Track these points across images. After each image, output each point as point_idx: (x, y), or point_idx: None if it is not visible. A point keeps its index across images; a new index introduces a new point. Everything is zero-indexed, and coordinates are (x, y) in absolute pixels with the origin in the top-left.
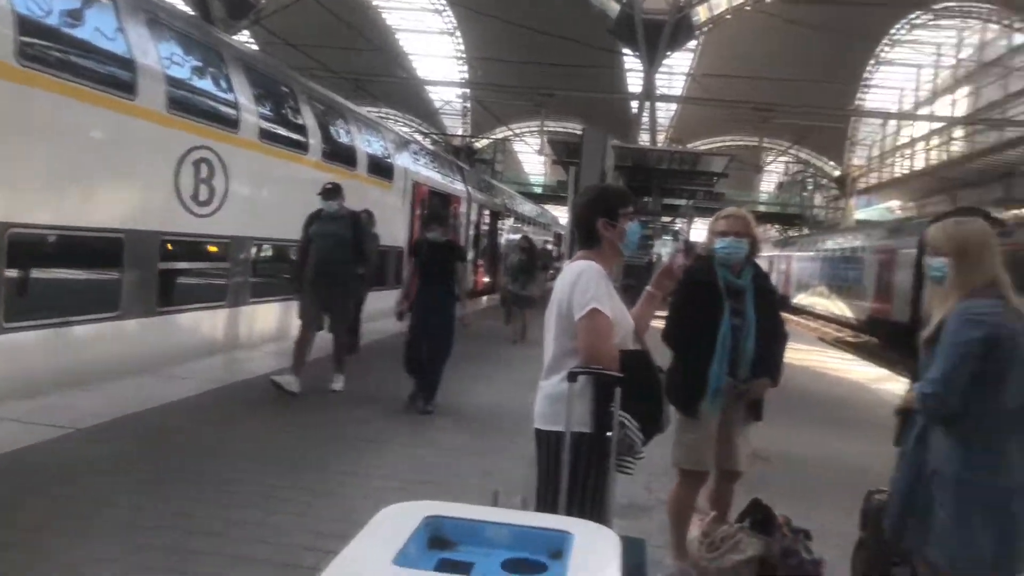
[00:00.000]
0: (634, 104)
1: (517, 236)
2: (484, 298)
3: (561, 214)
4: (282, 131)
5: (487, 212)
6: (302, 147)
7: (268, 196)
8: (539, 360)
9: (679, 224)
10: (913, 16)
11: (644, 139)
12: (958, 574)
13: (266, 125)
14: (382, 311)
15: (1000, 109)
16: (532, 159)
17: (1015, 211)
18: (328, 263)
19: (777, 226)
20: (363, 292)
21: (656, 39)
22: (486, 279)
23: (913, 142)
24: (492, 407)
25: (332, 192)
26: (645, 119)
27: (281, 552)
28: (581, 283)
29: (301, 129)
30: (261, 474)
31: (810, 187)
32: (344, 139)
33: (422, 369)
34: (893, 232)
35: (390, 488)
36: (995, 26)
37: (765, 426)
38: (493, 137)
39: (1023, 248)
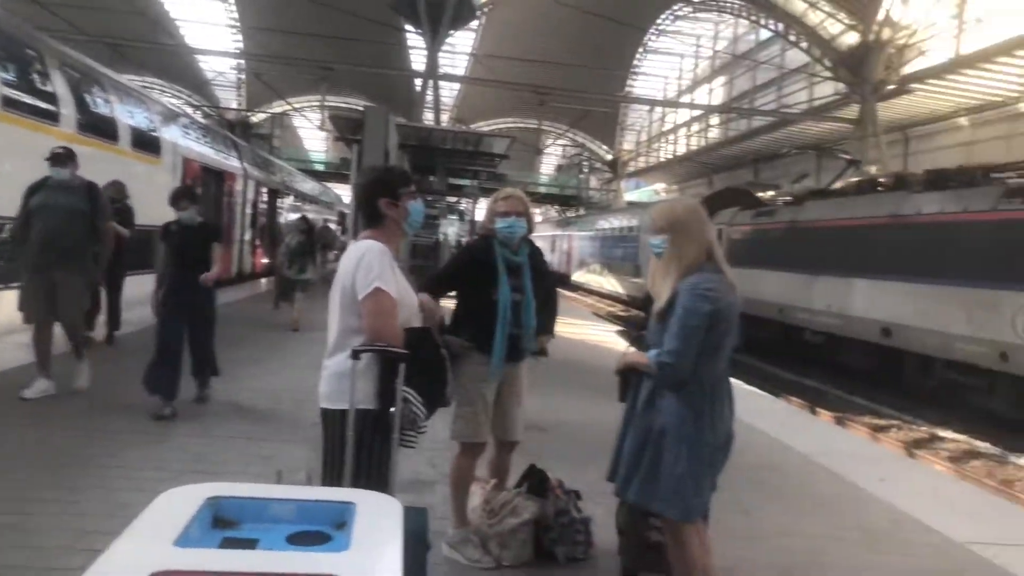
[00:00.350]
0: (418, 82)
1: (297, 216)
2: (263, 280)
3: (345, 192)
4: (28, 99)
5: (265, 190)
6: (52, 117)
7: (12, 171)
8: (317, 344)
9: (464, 204)
10: (676, 7)
11: (428, 118)
12: (687, 519)
13: (7, 92)
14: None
15: (749, 99)
16: (313, 135)
17: (770, 192)
18: (57, 240)
19: (557, 206)
20: (120, 276)
21: (438, 17)
22: (264, 261)
23: (676, 128)
24: (271, 393)
25: (62, 157)
26: (429, 98)
27: (41, 556)
28: (365, 262)
29: (51, 98)
30: (12, 474)
31: (586, 169)
32: (103, 110)
33: (176, 362)
34: None
35: (164, 480)
36: (745, 21)
37: (542, 397)
38: (271, 111)
39: (782, 226)
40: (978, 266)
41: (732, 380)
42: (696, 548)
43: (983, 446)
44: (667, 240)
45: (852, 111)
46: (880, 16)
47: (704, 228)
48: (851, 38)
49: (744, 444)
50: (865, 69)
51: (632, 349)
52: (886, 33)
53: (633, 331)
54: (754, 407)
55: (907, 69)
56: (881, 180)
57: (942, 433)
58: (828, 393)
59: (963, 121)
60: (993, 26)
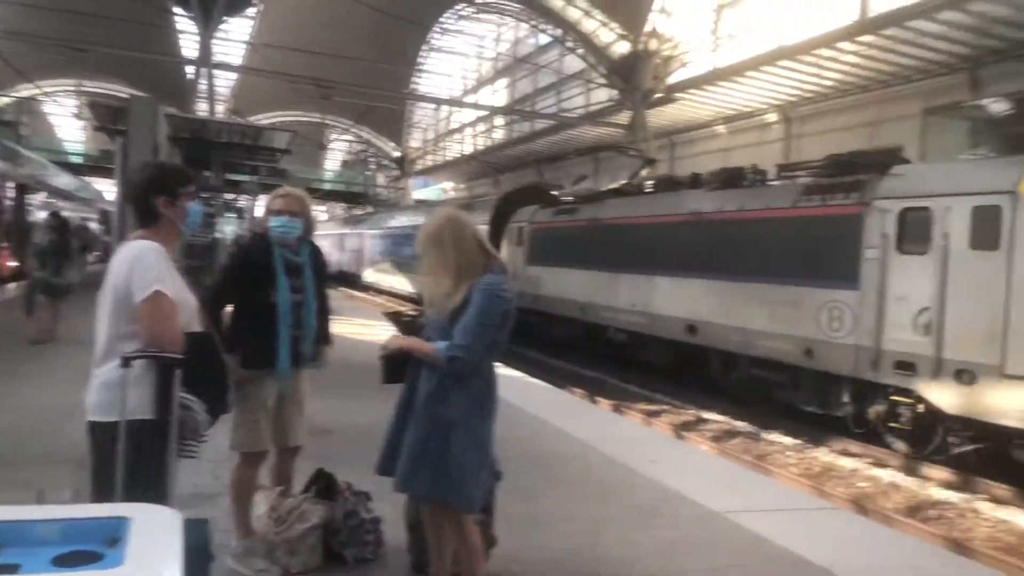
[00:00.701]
0: (189, 70)
1: (48, 213)
2: (11, 285)
3: (108, 188)
4: None
5: (10, 185)
6: None
7: None
8: (80, 355)
9: (243, 201)
10: (459, 7)
11: (203, 109)
12: (474, 509)
13: None
14: None
15: (531, 102)
16: (70, 124)
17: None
18: None
19: (344, 204)
20: None
21: (211, 1)
22: (12, 264)
23: (462, 128)
24: (29, 411)
25: None
26: (203, 87)
27: None
28: (141, 263)
29: None
30: None
31: (373, 166)
32: None
33: None
34: (465, 208)
35: None
36: (525, 25)
37: (327, 400)
38: (15, 95)
39: (584, 224)
40: (781, 263)
41: (518, 373)
42: (478, 537)
43: (741, 425)
44: (432, 254)
45: (625, 117)
46: (648, 28)
47: (463, 232)
48: (623, 47)
49: (530, 434)
50: (635, 77)
51: (439, 348)
52: (653, 44)
53: (406, 318)
54: (539, 399)
55: (672, 79)
56: (679, 178)
57: (707, 415)
58: (607, 382)
59: (721, 128)
60: (744, 43)
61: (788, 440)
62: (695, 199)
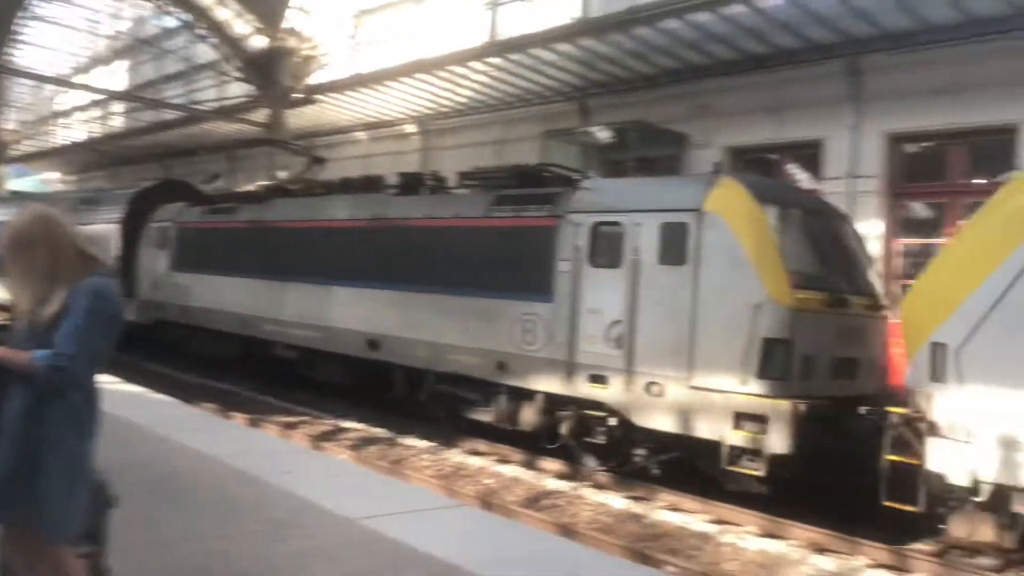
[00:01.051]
0: None
1: None
2: None
3: None
4: None
5: None
6: None
7: None
8: None
9: None
10: None
11: None
12: (66, 538)
13: None
14: None
15: (156, 89)
16: None
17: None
18: None
19: None
20: None
21: None
22: None
23: (72, 111)
24: None
25: None
26: None
27: None
28: None
29: None
30: None
31: None
32: None
33: None
34: (89, 203)
35: None
36: (150, 5)
37: None
38: None
39: (244, 226)
40: (472, 274)
41: (140, 388)
42: (77, 570)
43: (379, 432)
44: (22, 257)
45: (263, 114)
46: (286, 24)
47: (58, 231)
48: (260, 41)
49: (153, 453)
50: (274, 74)
51: (34, 356)
52: (292, 42)
53: None
54: (164, 415)
55: (312, 80)
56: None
57: (346, 424)
58: (242, 395)
59: (361, 135)
60: (386, 52)
61: (423, 443)
62: (378, 203)
